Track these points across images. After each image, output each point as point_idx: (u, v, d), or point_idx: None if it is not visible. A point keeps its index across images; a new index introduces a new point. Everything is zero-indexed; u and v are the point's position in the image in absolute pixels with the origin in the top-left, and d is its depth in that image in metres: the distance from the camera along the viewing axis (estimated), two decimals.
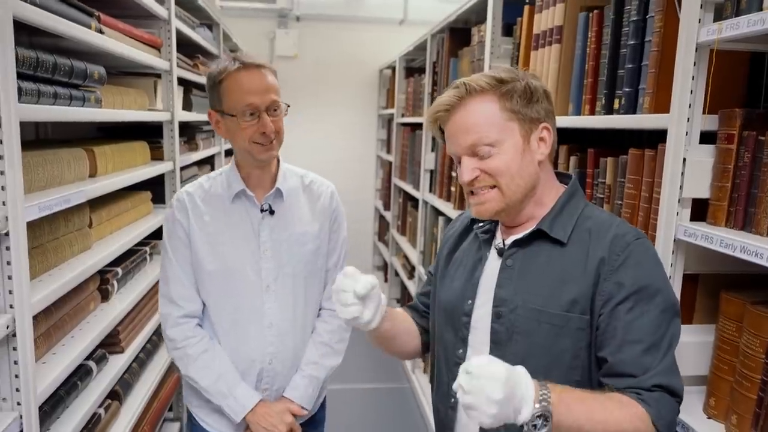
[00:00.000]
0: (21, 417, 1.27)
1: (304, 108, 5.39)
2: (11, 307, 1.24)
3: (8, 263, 1.22)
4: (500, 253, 1.20)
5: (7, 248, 1.21)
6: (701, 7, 1.16)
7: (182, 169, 2.71)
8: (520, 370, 0.93)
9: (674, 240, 1.24)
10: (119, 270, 2.03)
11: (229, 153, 4.04)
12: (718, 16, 1.17)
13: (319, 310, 1.71)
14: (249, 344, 1.60)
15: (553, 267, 1.13)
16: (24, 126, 1.24)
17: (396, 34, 5.44)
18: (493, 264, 1.21)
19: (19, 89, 1.27)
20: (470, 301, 1.21)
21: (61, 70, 1.50)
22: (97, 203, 1.92)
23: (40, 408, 1.36)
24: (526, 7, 2.01)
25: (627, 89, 1.44)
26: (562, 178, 1.24)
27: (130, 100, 2.14)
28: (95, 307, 1.86)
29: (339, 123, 5.77)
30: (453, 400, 1.21)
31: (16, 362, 1.26)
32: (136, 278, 2.21)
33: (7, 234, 1.21)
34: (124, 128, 2.54)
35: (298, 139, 5.11)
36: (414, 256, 3.88)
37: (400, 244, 4.43)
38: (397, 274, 4.68)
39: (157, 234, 2.00)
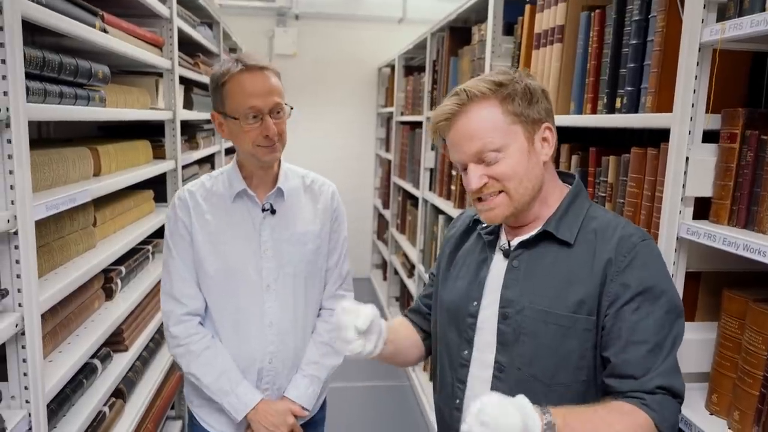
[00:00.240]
0: (30, 415, 1.27)
1: (303, 106, 5.38)
2: (20, 305, 1.24)
3: (17, 262, 1.22)
4: (506, 254, 1.19)
5: (16, 247, 1.22)
6: (704, 8, 1.17)
7: (183, 167, 2.71)
8: (525, 403, 0.90)
9: (677, 238, 1.25)
10: (123, 269, 2.03)
11: (228, 152, 4.04)
12: (721, 16, 1.18)
13: (320, 309, 1.71)
14: (250, 343, 1.60)
15: (559, 268, 1.13)
16: (29, 125, 1.24)
17: (395, 32, 5.46)
18: (498, 265, 1.21)
19: (27, 89, 1.27)
20: (476, 303, 1.21)
21: (67, 70, 1.50)
22: (100, 202, 1.92)
23: (48, 406, 1.36)
24: (527, 7, 2.03)
25: (629, 88, 1.45)
26: (564, 177, 1.24)
27: (132, 99, 2.14)
28: (100, 306, 1.86)
29: (338, 121, 5.78)
30: (457, 401, 1.21)
31: (24, 360, 1.26)
32: (139, 277, 2.22)
33: (15, 233, 1.21)
34: (124, 127, 2.54)
35: (297, 137, 5.05)
36: (414, 254, 3.89)
37: (400, 242, 4.44)
38: (396, 272, 4.69)
39: (159, 233, 2.00)
